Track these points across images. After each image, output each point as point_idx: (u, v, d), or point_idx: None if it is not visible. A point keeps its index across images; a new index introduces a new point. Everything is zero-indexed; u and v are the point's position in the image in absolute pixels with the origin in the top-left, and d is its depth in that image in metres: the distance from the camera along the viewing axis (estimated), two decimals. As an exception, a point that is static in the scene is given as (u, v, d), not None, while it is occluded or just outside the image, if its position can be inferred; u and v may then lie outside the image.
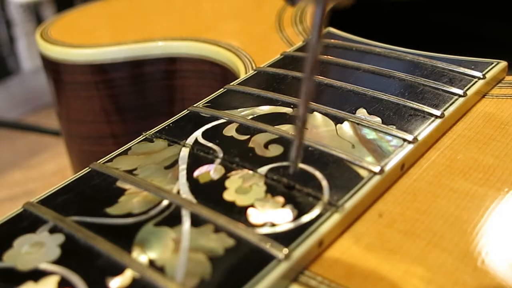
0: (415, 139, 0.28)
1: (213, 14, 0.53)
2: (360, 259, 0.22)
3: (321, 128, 0.29)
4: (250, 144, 0.28)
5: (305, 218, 0.23)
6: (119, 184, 0.25)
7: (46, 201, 0.25)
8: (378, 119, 0.29)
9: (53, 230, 0.23)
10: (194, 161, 0.27)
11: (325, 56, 0.37)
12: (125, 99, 0.48)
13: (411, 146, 0.27)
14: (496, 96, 0.33)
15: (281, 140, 0.28)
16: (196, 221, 0.23)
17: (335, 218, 0.23)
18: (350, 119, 0.29)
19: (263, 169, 0.26)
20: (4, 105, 1.13)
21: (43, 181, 0.92)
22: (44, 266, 0.21)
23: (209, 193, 0.25)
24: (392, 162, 0.26)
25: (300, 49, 0.40)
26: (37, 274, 0.21)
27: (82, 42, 0.48)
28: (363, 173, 0.25)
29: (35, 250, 0.22)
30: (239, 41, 0.44)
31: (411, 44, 0.39)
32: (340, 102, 0.31)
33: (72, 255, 0.22)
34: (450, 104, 0.31)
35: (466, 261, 0.22)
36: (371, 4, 0.58)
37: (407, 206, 0.25)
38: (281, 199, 0.24)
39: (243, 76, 0.36)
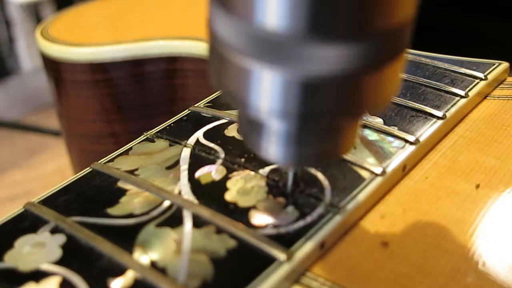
0: (417, 140, 0.28)
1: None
2: (362, 260, 0.22)
3: (322, 129, 0.29)
4: (252, 145, 0.28)
5: (307, 220, 0.23)
6: (120, 184, 0.25)
7: (47, 201, 0.25)
8: (380, 120, 0.29)
9: (54, 231, 0.23)
10: (196, 162, 0.27)
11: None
12: (125, 98, 0.48)
13: (412, 148, 0.27)
14: (498, 97, 0.33)
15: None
16: (198, 222, 0.23)
17: (337, 219, 0.23)
18: (352, 120, 0.29)
19: (265, 170, 0.26)
20: (4, 105, 1.13)
21: (43, 181, 0.92)
22: (45, 266, 0.21)
23: (211, 194, 0.24)
24: (393, 164, 0.26)
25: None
26: (38, 275, 0.21)
27: (82, 40, 0.48)
28: (364, 174, 0.25)
29: (36, 251, 0.22)
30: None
31: (412, 44, 0.38)
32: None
33: (73, 255, 0.22)
34: (452, 105, 0.31)
35: (467, 263, 0.22)
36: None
37: (408, 207, 0.25)
38: (283, 200, 0.24)
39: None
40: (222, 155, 0.27)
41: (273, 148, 0.20)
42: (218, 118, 0.30)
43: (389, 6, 0.17)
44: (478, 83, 0.33)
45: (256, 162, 0.26)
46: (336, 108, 0.18)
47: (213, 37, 0.19)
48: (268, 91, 0.18)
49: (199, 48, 0.45)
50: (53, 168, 0.95)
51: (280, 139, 0.20)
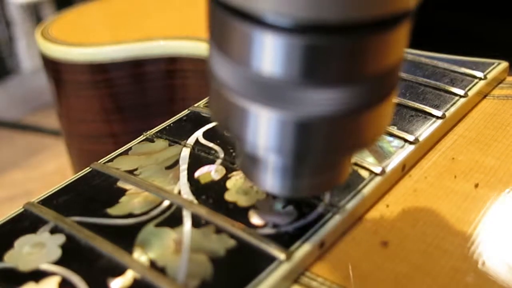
0: (416, 139, 0.28)
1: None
2: (361, 260, 0.22)
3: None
4: (251, 145, 0.28)
5: (307, 219, 0.23)
6: (120, 184, 0.25)
7: (47, 201, 0.25)
8: (379, 120, 0.29)
9: (54, 231, 0.23)
10: (195, 162, 0.27)
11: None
12: (125, 99, 0.48)
13: (412, 147, 0.27)
14: (497, 97, 0.33)
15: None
16: (197, 222, 0.23)
17: (337, 219, 0.23)
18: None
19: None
20: (4, 105, 1.13)
21: (43, 181, 0.92)
22: (45, 266, 0.21)
23: (210, 194, 0.24)
24: (393, 163, 0.26)
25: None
26: (38, 275, 0.21)
27: (82, 41, 0.48)
28: (364, 174, 0.25)
29: (36, 251, 0.22)
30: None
31: (411, 44, 0.38)
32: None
33: (73, 255, 0.22)
34: (451, 105, 0.31)
35: (467, 263, 0.22)
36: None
37: (408, 207, 0.25)
38: (282, 199, 0.24)
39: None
40: (221, 155, 0.27)
41: (270, 180, 0.21)
42: (217, 118, 0.30)
43: (381, 53, 0.17)
44: (477, 82, 0.33)
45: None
46: (330, 146, 0.19)
47: (212, 76, 0.19)
48: (264, 129, 0.19)
49: (199, 48, 0.45)
50: (53, 168, 0.95)
51: (276, 173, 0.21)
